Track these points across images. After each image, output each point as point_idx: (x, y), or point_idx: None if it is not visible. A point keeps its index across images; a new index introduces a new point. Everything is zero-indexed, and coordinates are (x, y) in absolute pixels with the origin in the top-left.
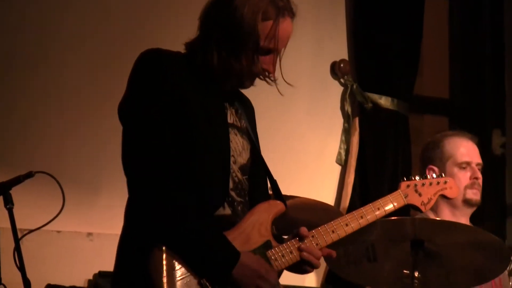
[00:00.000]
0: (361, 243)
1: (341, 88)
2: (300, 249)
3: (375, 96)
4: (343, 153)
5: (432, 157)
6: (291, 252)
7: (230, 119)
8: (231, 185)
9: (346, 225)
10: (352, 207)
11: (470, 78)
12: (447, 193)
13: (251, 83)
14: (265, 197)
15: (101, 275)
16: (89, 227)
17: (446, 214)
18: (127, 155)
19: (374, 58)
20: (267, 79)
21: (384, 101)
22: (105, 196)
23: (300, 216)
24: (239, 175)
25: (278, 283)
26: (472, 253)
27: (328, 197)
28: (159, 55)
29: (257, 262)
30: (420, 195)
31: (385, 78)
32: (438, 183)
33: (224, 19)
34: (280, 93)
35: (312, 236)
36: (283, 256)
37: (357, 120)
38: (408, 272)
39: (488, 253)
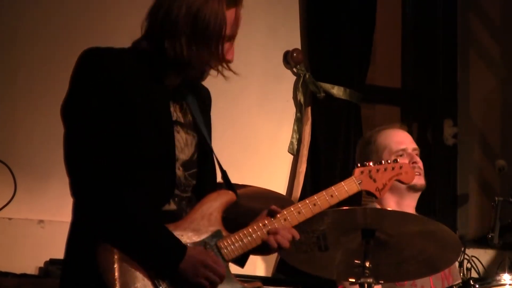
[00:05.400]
0: (313, 232)
1: (293, 78)
2: (267, 232)
3: (327, 86)
4: (295, 143)
5: (368, 154)
6: (241, 240)
7: (173, 116)
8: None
9: (299, 212)
10: (303, 196)
11: (422, 68)
12: (403, 178)
13: (208, 74)
14: (213, 188)
15: (52, 262)
16: (40, 214)
17: (392, 205)
18: (70, 155)
19: (327, 48)
20: (222, 69)
21: (337, 91)
22: (57, 184)
23: (252, 205)
24: (179, 172)
25: (229, 275)
26: (423, 243)
27: (280, 186)
28: (101, 54)
29: (204, 253)
30: (374, 181)
31: (338, 68)
32: (393, 168)
33: (188, 11)
34: (235, 72)
35: (264, 225)
36: (233, 244)
37: (309, 109)
38: (359, 261)
39: (439, 243)
